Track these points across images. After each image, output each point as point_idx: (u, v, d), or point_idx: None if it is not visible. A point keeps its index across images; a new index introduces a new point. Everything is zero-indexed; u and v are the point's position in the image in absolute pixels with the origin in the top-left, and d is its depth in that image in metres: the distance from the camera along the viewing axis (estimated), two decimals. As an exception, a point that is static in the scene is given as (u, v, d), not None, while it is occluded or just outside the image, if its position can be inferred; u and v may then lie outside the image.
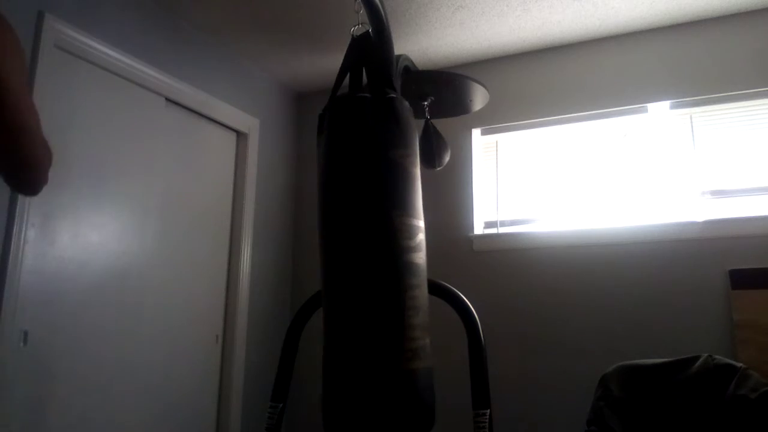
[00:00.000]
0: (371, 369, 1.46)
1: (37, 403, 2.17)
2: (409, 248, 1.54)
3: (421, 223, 1.61)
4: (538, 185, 3.17)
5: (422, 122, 2.58)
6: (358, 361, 1.48)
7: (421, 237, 1.58)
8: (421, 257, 1.57)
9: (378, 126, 1.59)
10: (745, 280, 2.54)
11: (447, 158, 2.63)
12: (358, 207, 1.53)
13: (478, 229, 3.22)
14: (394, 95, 1.65)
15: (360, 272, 1.51)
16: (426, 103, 2.42)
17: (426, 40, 3.10)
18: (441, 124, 2.65)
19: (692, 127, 2.88)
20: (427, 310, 1.58)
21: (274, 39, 3.13)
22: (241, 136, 3.33)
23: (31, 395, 2.15)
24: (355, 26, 1.83)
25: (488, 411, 1.69)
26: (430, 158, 2.57)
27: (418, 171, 1.65)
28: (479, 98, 2.58)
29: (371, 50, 1.77)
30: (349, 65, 1.79)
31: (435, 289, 1.91)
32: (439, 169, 2.64)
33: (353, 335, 1.50)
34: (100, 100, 2.51)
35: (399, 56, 2.01)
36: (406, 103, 1.68)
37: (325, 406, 1.54)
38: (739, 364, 2.28)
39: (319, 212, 1.63)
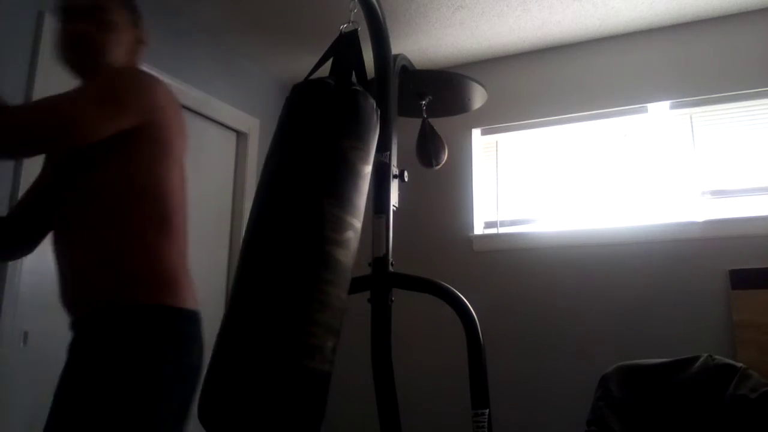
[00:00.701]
0: (256, 357, 1.32)
1: (37, 403, 2.17)
2: (332, 240, 1.43)
3: (356, 222, 1.50)
4: (538, 185, 3.17)
5: (419, 122, 2.58)
6: (245, 344, 1.33)
7: (351, 235, 1.47)
8: (344, 254, 1.45)
9: (331, 113, 1.51)
10: (745, 280, 2.54)
11: (444, 157, 2.63)
12: (288, 187, 1.43)
13: (478, 229, 3.22)
14: (359, 89, 1.60)
15: (272, 254, 1.39)
16: (424, 102, 2.42)
17: (426, 40, 3.10)
18: (440, 124, 2.65)
19: (692, 127, 2.87)
20: (339, 313, 1.41)
21: (274, 39, 3.13)
22: (240, 135, 3.33)
23: (31, 395, 2.15)
24: (344, 24, 1.82)
25: (487, 411, 1.69)
26: (427, 157, 2.57)
27: (366, 169, 1.55)
28: (477, 97, 2.58)
29: (353, 48, 1.74)
30: (328, 56, 1.76)
31: (434, 289, 1.91)
32: (437, 168, 2.64)
33: (247, 316, 1.36)
34: (100, 100, 2.51)
35: (396, 56, 2.01)
36: (372, 101, 1.62)
37: (202, 395, 1.37)
38: (739, 364, 2.28)
39: (256, 191, 1.53)
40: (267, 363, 1.29)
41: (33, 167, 2.19)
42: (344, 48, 1.74)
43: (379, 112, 1.66)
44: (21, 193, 2.13)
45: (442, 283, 1.94)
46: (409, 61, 2.15)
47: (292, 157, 1.46)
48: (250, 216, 1.47)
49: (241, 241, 3.55)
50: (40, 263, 2.22)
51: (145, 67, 2.66)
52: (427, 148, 2.53)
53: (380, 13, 1.77)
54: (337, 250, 1.41)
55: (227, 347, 1.35)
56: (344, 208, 1.46)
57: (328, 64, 1.77)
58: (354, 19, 1.80)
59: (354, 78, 1.78)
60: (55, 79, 2.31)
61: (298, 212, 1.40)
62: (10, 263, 2.09)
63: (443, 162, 2.65)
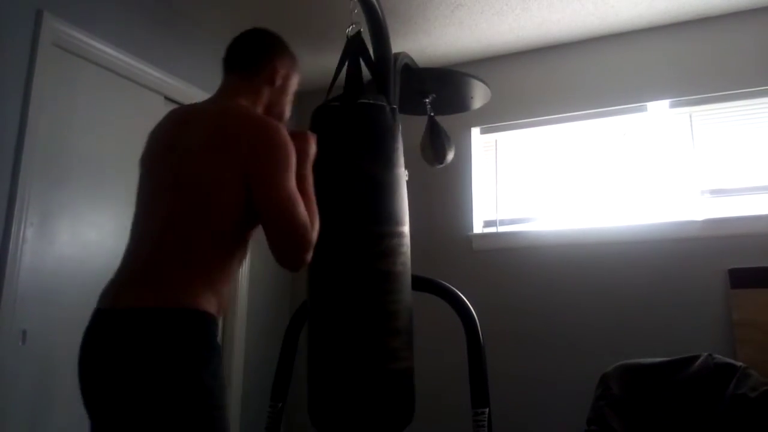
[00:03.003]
0: (351, 370, 1.52)
1: (36, 402, 2.16)
2: (373, 255, 1.57)
3: (403, 228, 1.62)
4: (537, 184, 3.17)
5: (417, 120, 2.57)
6: (339, 363, 1.53)
7: (387, 242, 1.58)
8: (401, 263, 1.60)
9: (345, 135, 1.61)
10: (745, 279, 2.54)
11: (451, 156, 2.60)
12: (329, 220, 1.50)
13: (478, 228, 3.21)
14: (365, 101, 1.65)
15: (334, 282, 1.57)
16: (428, 100, 2.41)
17: (425, 39, 3.10)
18: (440, 122, 2.64)
19: (692, 125, 2.87)
20: (407, 313, 1.61)
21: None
22: (240, 135, 3.32)
23: (30, 394, 2.14)
24: (349, 27, 1.83)
25: (487, 410, 1.69)
26: (435, 156, 2.54)
27: (390, 175, 1.63)
28: (480, 95, 2.58)
29: (363, 51, 1.78)
30: (343, 66, 1.80)
31: (434, 288, 1.91)
32: (440, 166, 2.62)
33: (334, 341, 1.55)
34: (98, 98, 2.50)
35: (398, 54, 2.00)
36: (384, 107, 1.67)
37: (311, 406, 1.59)
38: (739, 364, 2.28)
39: None
40: (361, 372, 1.52)
41: (33, 167, 2.19)
42: (354, 54, 1.79)
43: (395, 111, 1.71)
44: (21, 192, 2.13)
45: (443, 282, 1.94)
46: (411, 59, 2.15)
47: (328, 191, 1.56)
48: None
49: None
50: (40, 262, 2.22)
51: (146, 69, 2.68)
52: (436, 146, 2.51)
53: (380, 13, 1.77)
54: (391, 263, 1.53)
55: (325, 367, 1.57)
56: (389, 223, 1.59)
57: (333, 62, 1.78)
58: (355, 19, 1.80)
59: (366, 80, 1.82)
60: (53, 78, 2.30)
61: (341, 241, 1.57)
62: (9, 262, 2.08)
63: (450, 160, 2.61)
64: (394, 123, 1.68)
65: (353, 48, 1.78)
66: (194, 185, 1.29)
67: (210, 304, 1.24)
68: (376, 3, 1.74)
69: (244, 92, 1.46)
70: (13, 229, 2.11)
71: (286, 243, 1.27)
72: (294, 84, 1.55)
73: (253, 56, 1.48)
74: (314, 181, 1.43)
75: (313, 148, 1.48)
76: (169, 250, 1.26)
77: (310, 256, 1.29)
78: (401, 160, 1.69)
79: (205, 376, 1.18)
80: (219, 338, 1.29)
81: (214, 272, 1.27)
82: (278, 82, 1.49)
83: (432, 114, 2.51)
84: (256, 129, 1.32)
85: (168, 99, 2.83)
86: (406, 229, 1.65)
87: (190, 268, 1.25)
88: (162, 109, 2.80)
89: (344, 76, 1.78)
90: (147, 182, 1.40)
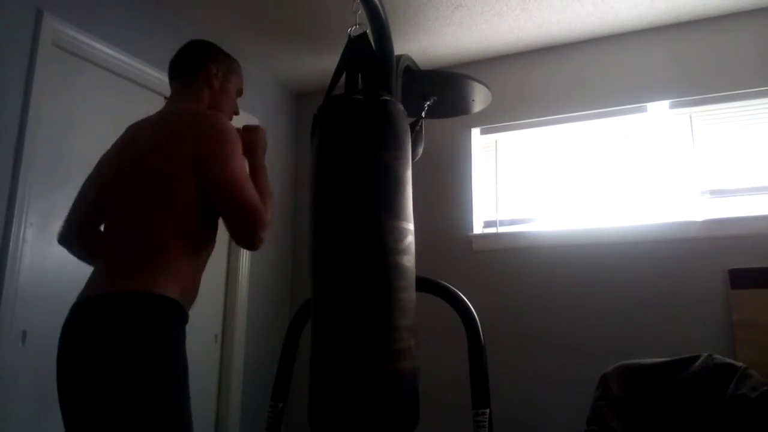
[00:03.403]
0: (357, 369, 1.48)
1: (36, 402, 2.16)
2: (396, 250, 1.54)
3: (409, 225, 1.61)
4: (537, 185, 3.17)
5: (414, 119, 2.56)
6: (344, 361, 1.50)
7: (409, 240, 1.58)
8: (409, 260, 1.57)
9: (369, 128, 1.60)
10: (745, 279, 2.54)
11: (419, 152, 2.60)
12: (347, 209, 1.54)
13: (478, 228, 3.21)
14: (387, 98, 1.65)
15: (347, 274, 1.53)
16: (428, 102, 2.41)
17: (425, 40, 3.10)
18: (440, 122, 2.65)
19: (692, 126, 2.87)
20: (415, 312, 1.58)
21: (274, 39, 3.13)
22: (240, 135, 3.32)
23: (30, 395, 2.14)
24: (352, 27, 1.83)
25: (488, 410, 1.69)
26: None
27: (408, 174, 1.66)
28: (481, 98, 2.57)
29: (368, 51, 1.77)
30: (345, 66, 1.79)
31: (435, 288, 1.91)
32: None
33: (340, 336, 1.51)
34: (98, 98, 2.50)
35: (400, 56, 2.00)
36: (400, 106, 1.68)
37: (311, 406, 1.55)
38: (739, 364, 2.28)
39: (310, 214, 1.64)
40: (363, 372, 1.48)
41: (33, 167, 2.19)
42: (362, 54, 1.79)
43: (405, 113, 1.71)
44: (21, 192, 2.13)
45: (444, 283, 1.94)
46: (413, 61, 2.15)
47: (341, 182, 1.57)
48: (312, 238, 1.61)
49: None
50: (40, 262, 2.21)
51: (146, 69, 2.68)
52: (412, 144, 2.50)
53: (383, 14, 1.78)
54: (402, 258, 1.52)
55: (327, 364, 1.53)
56: (399, 217, 1.57)
57: (333, 62, 1.78)
58: (359, 20, 1.81)
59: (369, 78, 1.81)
60: (53, 78, 2.30)
61: (361, 233, 1.53)
62: (9, 262, 2.08)
63: (418, 157, 2.62)
64: (407, 122, 1.70)
65: (357, 48, 1.78)
66: (150, 180, 1.40)
67: (169, 290, 1.32)
68: (378, 4, 1.74)
69: (186, 96, 1.59)
70: (13, 229, 2.10)
71: (236, 221, 1.35)
72: (235, 83, 1.68)
73: (190, 63, 1.63)
74: (334, 171, 1.53)
75: (264, 141, 1.63)
76: (130, 241, 1.37)
77: (264, 235, 1.36)
78: (410, 159, 1.70)
79: (150, 358, 1.25)
80: (183, 324, 1.36)
81: (175, 260, 1.36)
82: (216, 83, 1.62)
83: (423, 117, 2.50)
84: (198, 121, 1.45)
85: (168, 99, 2.82)
86: (411, 226, 1.65)
87: (149, 256, 1.34)
88: (162, 110, 2.80)
89: (345, 74, 1.78)
90: (109, 192, 1.50)
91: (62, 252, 2.30)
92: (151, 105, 2.73)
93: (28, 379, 2.13)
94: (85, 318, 1.32)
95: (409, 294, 1.57)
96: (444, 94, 2.46)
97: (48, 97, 2.26)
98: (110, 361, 1.25)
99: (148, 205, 1.38)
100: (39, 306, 2.18)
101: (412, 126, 2.52)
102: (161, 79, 2.76)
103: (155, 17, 2.79)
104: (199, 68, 1.61)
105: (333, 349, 1.51)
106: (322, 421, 1.52)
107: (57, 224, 2.31)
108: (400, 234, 1.56)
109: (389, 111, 1.62)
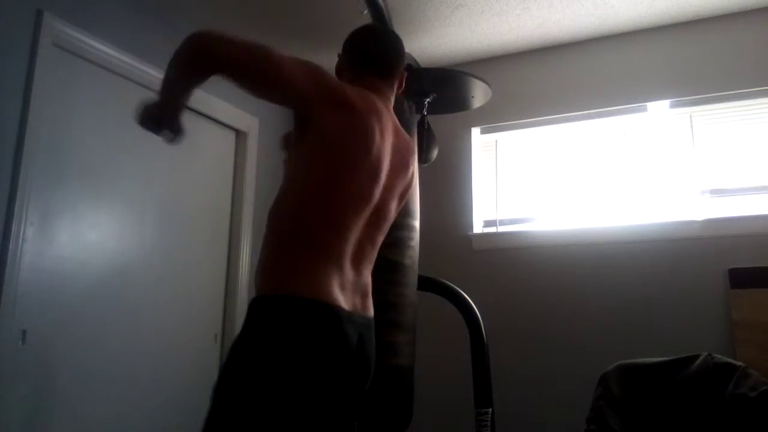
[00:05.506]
0: None
1: (36, 402, 2.16)
2: (396, 247, 1.52)
3: (415, 222, 1.60)
4: (537, 184, 3.17)
5: (417, 117, 2.57)
6: None
7: (413, 236, 1.57)
8: (409, 257, 1.56)
9: None
10: (745, 279, 2.54)
11: (434, 154, 2.61)
12: None
13: (478, 227, 3.22)
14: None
15: None
16: (428, 99, 2.42)
17: (425, 39, 3.10)
18: (440, 122, 2.65)
19: (692, 126, 2.87)
20: (412, 310, 1.57)
21: (274, 38, 3.12)
22: (240, 135, 3.32)
23: (30, 394, 2.14)
24: (363, 11, 1.83)
25: (490, 410, 1.69)
26: (423, 154, 2.55)
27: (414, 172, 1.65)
28: (480, 94, 2.58)
29: None
30: None
31: (437, 287, 1.92)
32: (424, 165, 2.62)
33: None
34: (98, 98, 2.50)
35: (400, 54, 2.00)
36: (406, 105, 1.68)
37: None
38: (739, 363, 2.29)
39: None
40: None
41: (33, 167, 2.19)
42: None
43: (413, 108, 1.71)
44: (21, 192, 2.13)
45: (447, 282, 1.94)
46: (413, 59, 2.15)
47: None
48: None
49: (240, 239, 3.54)
50: (39, 262, 2.21)
51: (146, 69, 2.67)
52: (421, 144, 2.53)
53: (386, 14, 1.78)
54: (399, 254, 1.50)
55: None
56: (402, 214, 1.53)
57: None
58: (364, 20, 1.81)
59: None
60: (53, 78, 2.30)
61: None
62: (9, 262, 2.08)
63: (433, 159, 2.63)
64: (411, 118, 1.70)
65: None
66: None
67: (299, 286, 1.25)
68: (382, 3, 1.75)
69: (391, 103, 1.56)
70: (13, 228, 2.10)
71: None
72: None
73: (401, 65, 1.59)
74: None
75: None
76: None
77: (215, 48, 1.29)
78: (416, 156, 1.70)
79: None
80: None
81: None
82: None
83: (425, 114, 2.51)
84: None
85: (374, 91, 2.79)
86: (417, 223, 1.64)
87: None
88: (162, 109, 2.80)
89: None
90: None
91: (62, 252, 2.31)
92: (151, 105, 2.75)
93: (28, 379, 2.13)
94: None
95: (407, 290, 1.55)
96: (443, 91, 2.46)
97: (48, 97, 2.26)
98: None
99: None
100: (39, 306, 2.18)
101: (419, 125, 2.53)
102: (160, 77, 2.76)
103: (155, 17, 2.79)
104: (401, 74, 1.57)
105: None
106: None
107: (57, 224, 2.33)
108: (395, 231, 1.55)
109: (397, 106, 1.62)
